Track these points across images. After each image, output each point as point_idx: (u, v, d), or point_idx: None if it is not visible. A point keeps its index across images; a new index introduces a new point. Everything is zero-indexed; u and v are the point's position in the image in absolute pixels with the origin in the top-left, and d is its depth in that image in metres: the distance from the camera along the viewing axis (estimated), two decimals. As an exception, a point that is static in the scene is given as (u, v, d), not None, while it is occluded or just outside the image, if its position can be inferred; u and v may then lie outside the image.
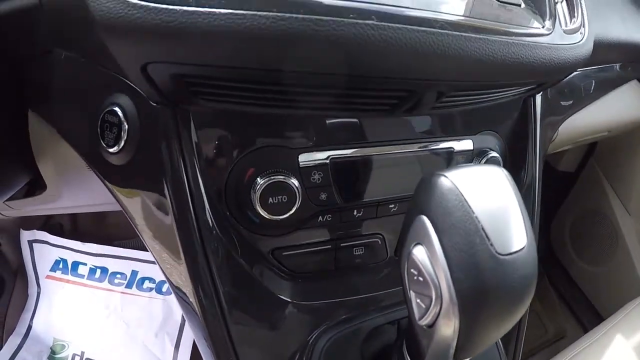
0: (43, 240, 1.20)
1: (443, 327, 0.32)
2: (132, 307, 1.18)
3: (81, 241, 1.20)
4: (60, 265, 1.21)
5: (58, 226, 1.23)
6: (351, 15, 0.32)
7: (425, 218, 0.31)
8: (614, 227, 1.29)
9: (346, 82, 0.35)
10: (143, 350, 1.15)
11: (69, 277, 1.21)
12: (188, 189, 0.42)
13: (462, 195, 0.30)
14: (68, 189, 0.68)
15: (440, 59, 0.36)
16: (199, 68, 0.34)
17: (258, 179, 0.44)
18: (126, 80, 0.41)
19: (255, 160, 0.44)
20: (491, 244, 0.29)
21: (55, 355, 1.16)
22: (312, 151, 0.45)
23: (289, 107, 0.41)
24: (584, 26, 0.51)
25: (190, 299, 0.47)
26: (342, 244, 0.52)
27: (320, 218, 0.49)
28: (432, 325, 0.33)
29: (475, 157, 0.54)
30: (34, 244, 1.20)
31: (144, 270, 1.19)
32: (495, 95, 0.48)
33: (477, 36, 0.38)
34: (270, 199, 0.44)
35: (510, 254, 0.30)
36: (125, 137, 0.42)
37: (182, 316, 1.16)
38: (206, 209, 0.44)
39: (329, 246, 0.51)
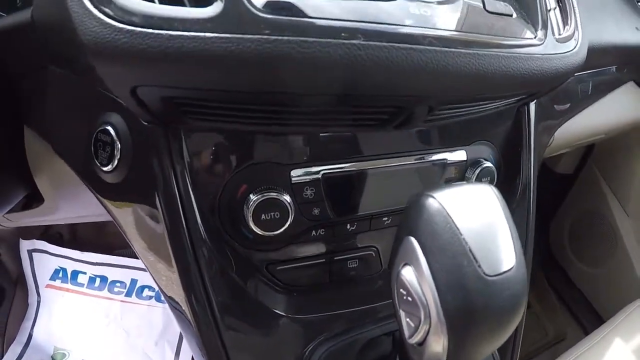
0: (42, 250, 1.20)
1: (433, 345, 0.33)
2: (132, 316, 1.18)
3: (80, 250, 1.20)
4: (60, 274, 1.21)
5: (57, 235, 1.23)
6: (341, 35, 0.32)
7: (413, 239, 0.31)
8: (612, 229, 1.29)
9: (335, 101, 0.35)
10: (143, 359, 1.15)
11: (69, 285, 1.21)
12: (181, 206, 0.43)
13: (450, 217, 0.30)
14: (65, 201, 0.69)
15: (429, 75, 0.36)
16: (187, 91, 0.34)
17: (250, 195, 0.44)
18: (118, 99, 0.41)
19: (248, 176, 0.44)
20: (479, 266, 0.29)
21: (56, 364, 1.17)
22: (304, 167, 0.45)
23: (279, 124, 0.41)
24: (577, 33, 0.51)
25: (185, 312, 0.48)
26: (336, 257, 0.52)
27: (313, 232, 0.49)
28: (422, 344, 0.34)
29: (469, 167, 0.54)
30: (33, 254, 1.20)
31: (144, 278, 1.20)
32: (488, 107, 0.48)
33: (467, 51, 0.37)
34: (263, 215, 0.44)
35: (498, 274, 0.30)
36: (118, 156, 0.42)
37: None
38: (199, 225, 0.44)
39: (323, 260, 0.51)
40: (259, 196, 0.44)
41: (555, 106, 0.75)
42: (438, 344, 0.32)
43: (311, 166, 0.45)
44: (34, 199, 0.67)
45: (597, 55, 0.78)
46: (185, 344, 1.15)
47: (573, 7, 0.53)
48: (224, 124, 0.40)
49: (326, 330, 0.52)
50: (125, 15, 0.31)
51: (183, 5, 0.32)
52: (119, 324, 1.18)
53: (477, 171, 0.54)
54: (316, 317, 0.51)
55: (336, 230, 0.50)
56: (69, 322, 1.19)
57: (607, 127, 1.02)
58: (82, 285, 1.21)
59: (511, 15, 0.44)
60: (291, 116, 0.39)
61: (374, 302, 0.54)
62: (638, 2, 1.00)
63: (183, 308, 0.48)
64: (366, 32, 0.33)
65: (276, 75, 0.31)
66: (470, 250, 0.29)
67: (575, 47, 0.49)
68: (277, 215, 0.44)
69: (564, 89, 0.75)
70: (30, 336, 1.19)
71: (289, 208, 0.44)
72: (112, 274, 1.20)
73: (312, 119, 0.40)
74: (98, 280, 1.20)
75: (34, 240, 1.20)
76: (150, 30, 0.30)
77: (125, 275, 1.20)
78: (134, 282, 1.20)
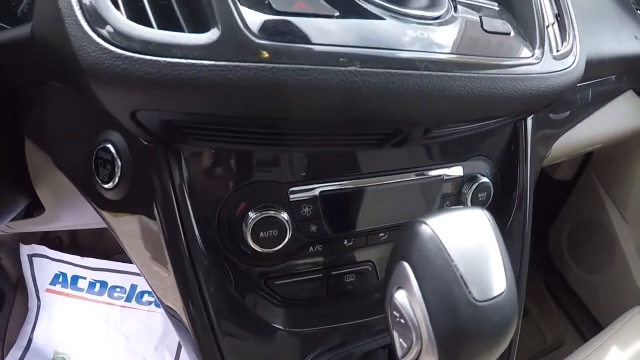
0: (42, 255, 1.21)
1: (424, 365, 0.33)
2: (132, 321, 1.19)
3: (80, 255, 1.21)
4: (60, 279, 1.22)
5: (57, 240, 1.24)
6: (337, 61, 0.32)
7: (406, 264, 0.32)
8: (611, 235, 1.29)
9: (332, 125, 0.36)
10: (143, 364, 1.16)
11: (69, 290, 1.22)
12: (180, 222, 0.43)
13: (442, 243, 0.31)
14: (66, 211, 0.69)
15: (425, 100, 0.36)
16: (186, 115, 0.34)
17: (249, 213, 0.45)
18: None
19: (246, 195, 0.45)
20: (469, 292, 0.30)
21: (56, 369, 1.17)
22: (301, 185, 0.46)
23: (276, 145, 0.41)
24: (575, 48, 0.51)
25: (184, 323, 0.48)
26: (333, 272, 0.52)
27: (311, 248, 0.50)
28: (414, 363, 0.34)
29: (465, 182, 0.55)
30: (33, 258, 1.21)
31: (143, 284, 1.20)
32: (484, 125, 0.49)
33: (463, 74, 0.38)
34: (262, 233, 0.45)
35: (489, 299, 0.31)
36: (119, 174, 0.43)
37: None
38: (198, 241, 0.44)
39: (321, 274, 0.52)
40: (257, 214, 0.44)
41: (552, 115, 0.75)
42: (429, 364, 0.33)
43: (309, 184, 0.46)
44: (35, 208, 0.67)
45: (596, 67, 0.77)
46: (184, 350, 1.16)
47: (571, 22, 0.53)
48: (223, 144, 0.41)
49: (323, 343, 0.52)
50: (124, 40, 0.31)
51: (181, 28, 0.33)
52: (119, 329, 1.18)
53: (474, 187, 0.54)
54: (313, 330, 0.52)
55: (333, 246, 0.51)
56: (69, 327, 1.20)
57: (606, 136, 1.02)
58: (82, 290, 1.21)
59: (509, 34, 0.44)
60: (289, 137, 0.39)
61: (370, 315, 0.54)
62: (637, 10, 1.00)
63: (182, 319, 0.48)
64: (363, 58, 0.33)
65: (273, 103, 0.32)
66: (461, 277, 0.30)
67: (572, 63, 0.49)
68: (275, 232, 0.45)
69: (562, 99, 0.75)
70: (30, 340, 1.20)
71: (287, 225, 0.45)
72: (111, 279, 1.21)
73: (310, 139, 0.40)
74: (98, 285, 1.21)
75: (34, 245, 1.21)
76: (149, 57, 0.31)
77: (125, 281, 1.21)
78: (133, 287, 1.21)
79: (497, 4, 0.46)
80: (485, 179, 0.55)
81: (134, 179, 0.43)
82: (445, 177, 0.53)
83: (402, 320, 0.33)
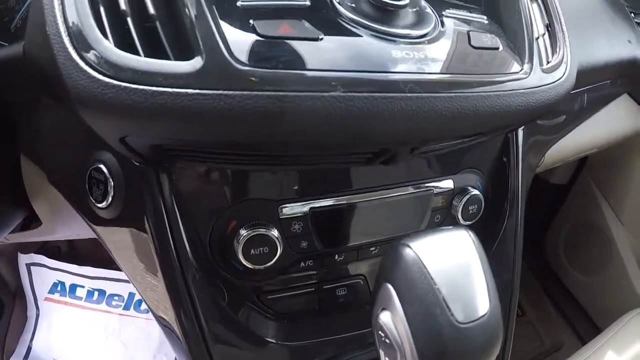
0: (41, 264, 1.22)
1: (409, 383, 0.34)
2: (130, 329, 1.19)
3: (78, 264, 1.21)
4: (59, 288, 1.22)
5: (55, 249, 1.25)
6: (321, 87, 0.33)
7: (390, 287, 0.33)
8: (607, 238, 1.30)
9: (318, 148, 0.36)
10: (141, 371, 1.16)
11: (67, 299, 1.22)
12: (172, 240, 0.44)
13: (425, 267, 0.31)
14: (62, 224, 0.70)
15: (410, 121, 0.36)
16: (174, 141, 0.35)
17: (240, 231, 0.45)
18: None
19: (237, 213, 0.45)
20: (451, 314, 0.31)
21: (55, 377, 1.18)
22: (292, 202, 0.46)
23: (265, 164, 0.42)
24: (566, 59, 0.50)
25: (177, 335, 0.49)
26: (325, 286, 0.53)
27: (302, 264, 0.50)
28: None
29: (456, 195, 0.55)
30: (31, 267, 1.21)
31: (141, 292, 1.21)
32: (473, 140, 0.49)
33: (449, 94, 0.37)
34: (253, 250, 0.45)
35: (472, 321, 0.31)
36: (112, 194, 0.43)
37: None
38: (190, 258, 0.45)
39: (312, 288, 0.53)
40: (247, 232, 0.45)
41: (546, 121, 0.74)
42: (414, 382, 0.33)
43: (299, 202, 0.46)
44: (32, 220, 0.68)
45: (589, 74, 0.76)
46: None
47: (563, 31, 0.53)
48: (213, 165, 0.42)
49: (315, 356, 0.53)
50: (111, 68, 0.31)
51: (166, 54, 0.33)
52: (117, 337, 1.19)
53: (465, 199, 0.54)
54: (305, 343, 0.52)
55: (324, 261, 0.51)
56: (68, 335, 1.20)
57: (600, 141, 1.01)
58: (80, 298, 1.22)
59: (497, 48, 0.43)
60: (277, 159, 0.40)
61: (362, 328, 0.54)
62: (631, 12, 0.99)
63: (175, 330, 0.49)
64: (346, 82, 0.33)
65: (258, 130, 0.32)
66: (444, 300, 0.31)
67: (563, 75, 0.48)
68: (265, 250, 0.45)
69: (555, 109, 0.74)
70: (29, 348, 1.20)
71: (277, 242, 0.45)
72: (109, 287, 1.21)
73: (298, 159, 0.41)
74: (96, 293, 1.22)
75: (32, 254, 1.22)
76: (136, 86, 0.31)
77: (123, 289, 1.21)
78: (131, 295, 1.21)
79: (485, 17, 0.46)
80: (475, 192, 0.55)
81: (127, 198, 0.44)
82: (436, 191, 0.53)
83: (387, 341, 0.33)
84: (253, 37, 0.33)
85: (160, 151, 0.37)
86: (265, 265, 0.46)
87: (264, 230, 0.45)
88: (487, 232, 0.60)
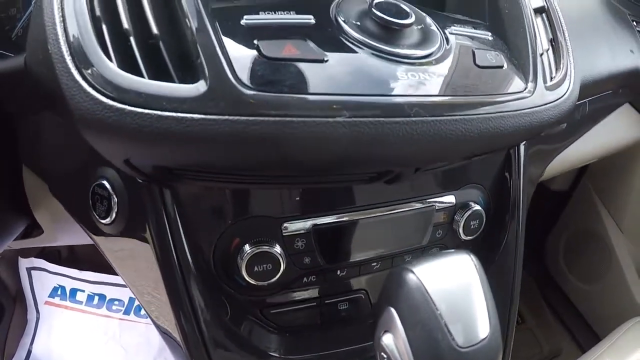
0: (41, 268, 1.22)
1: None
2: (131, 333, 1.20)
3: (79, 269, 1.22)
4: (59, 292, 1.23)
5: (56, 253, 1.25)
6: (326, 112, 0.32)
7: (393, 310, 0.33)
8: (607, 246, 1.30)
9: (324, 171, 0.36)
10: (141, 376, 1.17)
11: (68, 303, 1.22)
12: (176, 257, 0.44)
13: (428, 293, 0.31)
14: (64, 232, 0.70)
15: (414, 145, 0.36)
16: (178, 163, 0.35)
17: (243, 247, 0.45)
18: None
19: (240, 230, 0.46)
20: (452, 339, 0.31)
21: (55, 381, 1.18)
22: (294, 219, 0.46)
23: (268, 184, 0.42)
24: (569, 75, 0.49)
25: (179, 344, 0.49)
26: (327, 301, 0.53)
27: (305, 279, 0.50)
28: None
29: (458, 210, 0.55)
30: (32, 271, 1.22)
31: (141, 297, 1.21)
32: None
33: (453, 117, 0.37)
34: (256, 267, 0.45)
35: (472, 345, 0.32)
36: (116, 209, 0.43)
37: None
38: (194, 274, 0.45)
39: (314, 303, 0.53)
40: (251, 249, 0.45)
41: (550, 137, 0.74)
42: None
43: (302, 219, 0.47)
44: (33, 228, 0.68)
45: (592, 87, 0.76)
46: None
47: (567, 46, 0.52)
48: (217, 184, 0.42)
49: (317, 370, 0.53)
50: (115, 90, 0.31)
51: (170, 76, 0.33)
52: (118, 341, 1.19)
53: (466, 215, 0.54)
54: (307, 357, 0.53)
55: (327, 276, 0.51)
56: (68, 339, 1.20)
57: (602, 151, 1.01)
58: (80, 302, 1.22)
59: (502, 66, 0.43)
60: (280, 178, 0.40)
61: (363, 341, 0.54)
62: (633, 21, 0.99)
63: (177, 340, 0.49)
64: (351, 106, 0.33)
65: (263, 155, 0.32)
66: (446, 325, 0.31)
67: (566, 91, 0.47)
68: (269, 267, 0.46)
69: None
70: (29, 352, 1.20)
71: (281, 259, 0.46)
72: (110, 292, 1.21)
73: (301, 179, 0.41)
74: (96, 298, 1.22)
75: (33, 258, 1.22)
76: (140, 110, 0.31)
77: (123, 294, 1.21)
78: (132, 300, 1.21)
79: (490, 34, 0.46)
80: (477, 207, 0.55)
81: (131, 214, 0.44)
82: (438, 207, 0.53)
83: (389, 362, 0.34)
84: (257, 59, 0.33)
85: (164, 171, 0.37)
86: (269, 282, 0.46)
87: (267, 247, 0.45)
88: (487, 246, 0.60)
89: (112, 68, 0.32)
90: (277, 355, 0.51)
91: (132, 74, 0.32)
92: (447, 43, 0.42)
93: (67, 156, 0.48)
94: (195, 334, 0.47)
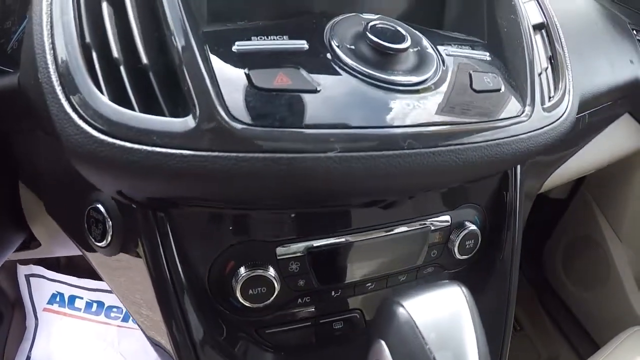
0: (40, 275, 1.22)
1: None
2: (129, 340, 1.20)
3: (77, 276, 1.22)
4: (57, 299, 1.23)
5: (54, 261, 1.25)
6: (317, 147, 0.32)
7: (383, 343, 0.33)
8: (605, 253, 1.30)
9: (316, 202, 0.36)
10: (139, 383, 1.17)
11: (66, 310, 1.23)
12: (171, 279, 0.44)
13: (417, 327, 0.32)
14: (61, 246, 0.70)
15: (408, 177, 0.36)
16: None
17: (238, 271, 0.45)
18: None
19: (235, 254, 0.45)
20: None
21: (54, 388, 1.18)
22: (289, 243, 0.46)
23: (260, 209, 0.42)
24: (567, 93, 0.49)
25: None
26: (321, 320, 0.53)
27: (299, 300, 0.50)
28: None
29: (453, 230, 0.55)
30: (30, 278, 1.22)
31: (139, 304, 1.21)
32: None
33: (448, 148, 0.37)
34: (251, 290, 0.45)
35: None
36: (111, 233, 0.43)
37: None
38: (189, 296, 0.45)
39: (309, 323, 0.53)
40: (246, 273, 0.45)
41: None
42: None
43: (296, 242, 0.47)
44: (31, 241, 0.68)
45: (590, 101, 0.74)
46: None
47: (566, 63, 0.52)
48: (211, 209, 0.42)
49: (312, 388, 0.53)
50: (105, 124, 0.31)
51: (161, 109, 0.32)
52: (116, 348, 1.19)
53: (462, 235, 0.54)
54: None
55: (321, 297, 0.51)
56: (67, 346, 1.21)
57: (602, 162, 0.99)
58: (79, 309, 1.22)
59: (499, 90, 0.42)
60: (274, 206, 0.40)
61: (358, 358, 0.55)
62: (633, 29, 0.98)
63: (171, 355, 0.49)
64: (343, 139, 0.33)
65: (253, 190, 0.32)
66: (434, 359, 0.31)
67: (564, 112, 0.47)
68: (263, 290, 0.45)
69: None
70: (28, 358, 1.21)
71: (275, 282, 0.46)
72: (108, 299, 1.22)
73: (296, 205, 0.41)
74: (95, 305, 1.22)
75: (31, 265, 1.22)
76: (130, 145, 0.31)
77: (121, 301, 1.21)
78: (130, 307, 1.21)
79: (488, 54, 0.46)
80: (473, 227, 0.55)
81: (126, 238, 0.44)
82: (433, 227, 0.53)
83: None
84: (248, 90, 0.33)
85: (156, 200, 0.37)
86: (264, 304, 0.46)
87: (261, 271, 0.45)
88: (483, 264, 0.60)
89: (102, 100, 0.32)
90: None
91: (122, 104, 0.32)
92: (444, 64, 0.42)
93: (62, 178, 0.48)
94: (190, 355, 0.47)
